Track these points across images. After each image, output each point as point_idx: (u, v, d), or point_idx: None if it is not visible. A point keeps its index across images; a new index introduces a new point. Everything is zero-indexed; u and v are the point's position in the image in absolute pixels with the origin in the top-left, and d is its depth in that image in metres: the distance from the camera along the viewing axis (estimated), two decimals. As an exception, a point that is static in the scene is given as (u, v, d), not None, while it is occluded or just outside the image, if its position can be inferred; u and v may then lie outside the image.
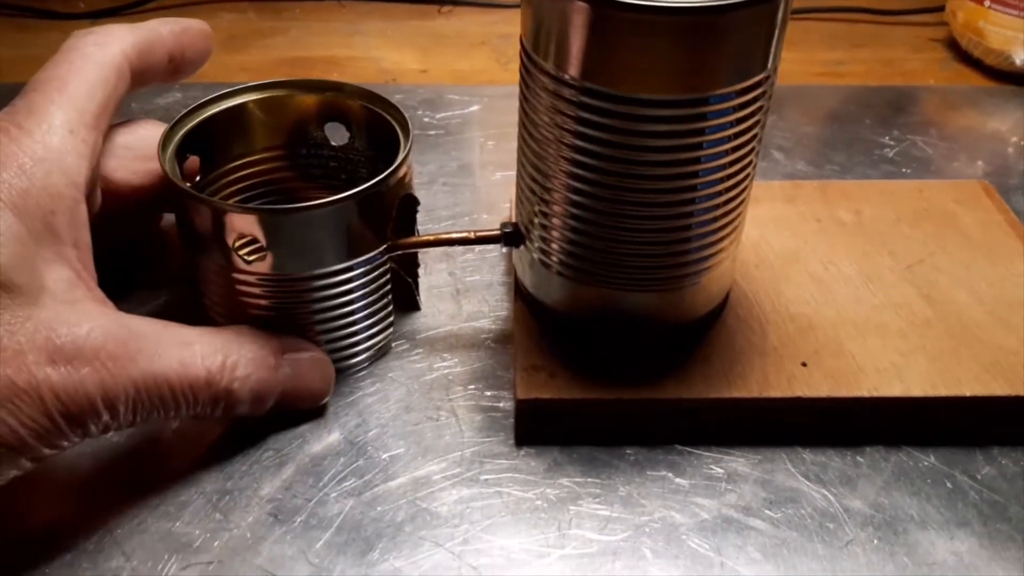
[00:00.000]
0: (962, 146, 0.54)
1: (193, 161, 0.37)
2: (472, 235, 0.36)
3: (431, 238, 0.36)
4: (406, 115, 0.36)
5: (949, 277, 0.39)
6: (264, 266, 0.32)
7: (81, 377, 0.27)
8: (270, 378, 0.32)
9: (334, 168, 0.41)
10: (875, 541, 0.31)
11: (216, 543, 0.30)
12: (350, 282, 0.34)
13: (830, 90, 0.60)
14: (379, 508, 0.32)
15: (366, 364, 0.37)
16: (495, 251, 0.43)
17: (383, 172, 0.33)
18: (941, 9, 0.67)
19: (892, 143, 0.54)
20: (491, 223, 0.37)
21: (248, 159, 0.39)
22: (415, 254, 0.38)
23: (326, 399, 0.35)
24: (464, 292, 0.41)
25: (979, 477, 0.33)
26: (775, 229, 0.41)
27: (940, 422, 0.34)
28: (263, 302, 0.33)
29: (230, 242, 0.32)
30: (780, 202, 0.43)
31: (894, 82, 0.61)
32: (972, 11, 0.62)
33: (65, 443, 0.28)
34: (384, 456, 0.33)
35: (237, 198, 0.40)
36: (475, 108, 0.57)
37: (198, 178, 0.37)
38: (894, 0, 0.71)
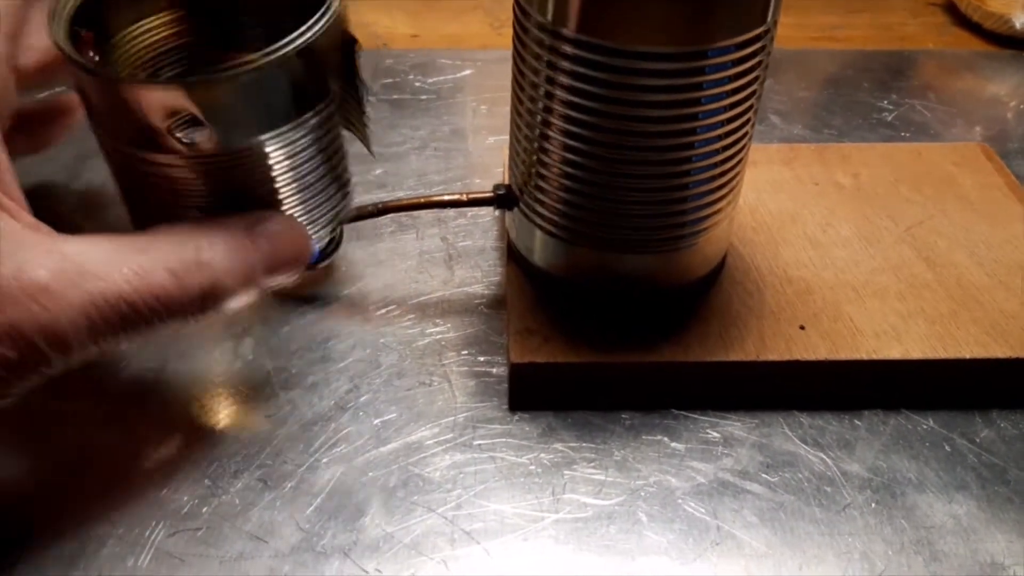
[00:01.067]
0: (961, 110, 0.53)
1: (87, 37, 0.31)
2: (465, 197, 0.35)
3: (423, 200, 0.35)
4: None
5: (948, 240, 0.38)
6: (205, 144, 0.28)
7: (10, 320, 0.24)
8: (250, 258, 0.29)
9: (247, 22, 0.34)
10: (873, 504, 0.31)
11: (205, 509, 0.30)
12: (301, 141, 0.30)
13: (828, 54, 0.59)
14: (370, 473, 0.31)
15: (331, 232, 0.33)
16: (487, 216, 0.43)
17: (311, 18, 0.28)
18: (940, -27, 0.66)
19: (890, 107, 0.53)
20: (484, 188, 0.37)
21: (145, 26, 0.33)
22: (358, 103, 0.33)
23: (311, 260, 0.31)
24: (456, 257, 0.40)
25: (978, 440, 0.33)
26: (773, 192, 0.41)
27: (939, 385, 0.34)
28: (206, 186, 0.29)
29: (161, 124, 0.27)
30: (778, 165, 0.42)
31: (892, 47, 0.61)
32: (972, -26, 0.61)
33: (14, 390, 0.25)
34: (376, 422, 0.33)
35: (141, 75, 0.33)
36: (467, 72, 0.55)
37: (93, 55, 0.31)
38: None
